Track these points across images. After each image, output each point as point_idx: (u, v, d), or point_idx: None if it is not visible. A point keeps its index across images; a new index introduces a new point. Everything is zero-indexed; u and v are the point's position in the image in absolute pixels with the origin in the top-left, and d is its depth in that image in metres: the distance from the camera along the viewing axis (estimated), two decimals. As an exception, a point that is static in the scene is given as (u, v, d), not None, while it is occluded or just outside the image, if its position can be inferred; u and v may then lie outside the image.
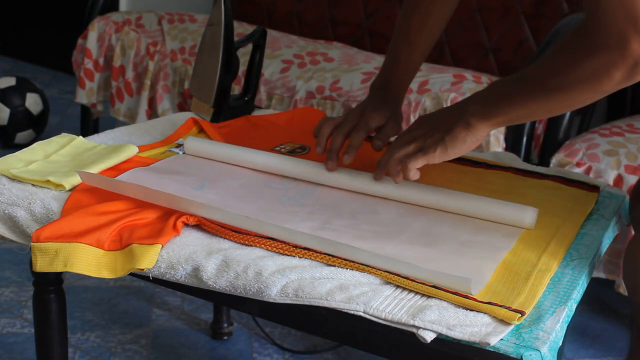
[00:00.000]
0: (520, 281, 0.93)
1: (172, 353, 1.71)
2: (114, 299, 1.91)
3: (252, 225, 1.00)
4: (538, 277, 0.93)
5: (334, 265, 0.94)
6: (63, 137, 1.28)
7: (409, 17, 1.27)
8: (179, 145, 1.31)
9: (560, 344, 0.85)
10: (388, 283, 0.91)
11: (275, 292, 0.89)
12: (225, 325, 1.77)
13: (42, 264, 0.97)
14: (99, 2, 2.73)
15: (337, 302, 0.87)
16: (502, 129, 1.88)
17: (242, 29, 2.57)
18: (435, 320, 0.83)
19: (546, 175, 1.27)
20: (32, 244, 0.98)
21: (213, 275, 0.93)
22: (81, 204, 1.05)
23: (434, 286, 0.89)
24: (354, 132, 1.19)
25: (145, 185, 1.07)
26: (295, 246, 0.97)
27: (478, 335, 0.82)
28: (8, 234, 1.05)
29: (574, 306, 0.92)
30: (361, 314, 0.86)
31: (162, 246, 0.96)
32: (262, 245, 0.97)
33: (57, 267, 0.97)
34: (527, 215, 1.06)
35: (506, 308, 0.85)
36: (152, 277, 0.97)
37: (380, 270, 0.92)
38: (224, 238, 1.00)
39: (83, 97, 2.65)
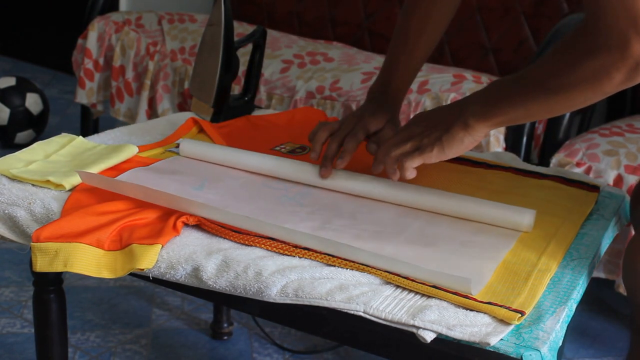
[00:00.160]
0: (520, 281, 0.92)
1: (172, 353, 1.71)
2: (114, 299, 1.91)
3: (252, 225, 1.00)
4: (538, 277, 0.93)
5: (334, 265, 0.94)
6: (63, 137, 1.28)
7: (408, 20, 1.25)
8: (179, 146, 1.31)
9: (560, 344, 0.85)
10: (388, 283, 0.91)
11: (275, 292, 0.89)
12: (225, 325, 1.77)
13: (42, 264, 0.97)
14: (99, 2, 2.73)
15: (337, 302, 0.87)
16: (502, 129, 1.88)
17: (242, 29, 2.57)
18: (435, 320, 0.83)
19: (546, 175, 1.27)
20: (32, 244, 0.98)
21: (213, 275, 0.93)
22: (81, 204, 1.05)
23: (434, 286, 0.89)
24: (349, 137, 1.17)
25: (145, 185, 1.07)
26: (295, 246, 0.97)
27: (478, 335, 0.82)
28: (8, 234, 1.05)
29: (574, 306, 0.92)
30: (361, 314, 0.86)
31: (162, 246, 0.96)
32: (262, 245, 0.97)
33: (57, 267, 0.97)
34: (525, 218, 1.06)
35: (506, 308, 0.85)
36: (152, 277, 0.97)
37: (380, 270, 0.92)
38: (224, 238, 1.00)
39: (83, 97, 2.65)
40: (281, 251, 0.96)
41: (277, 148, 1.33)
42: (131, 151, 1.22)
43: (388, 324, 0.85)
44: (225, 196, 1.12)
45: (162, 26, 2.58)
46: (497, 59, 2.39)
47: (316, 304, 0.88)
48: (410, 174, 1.08)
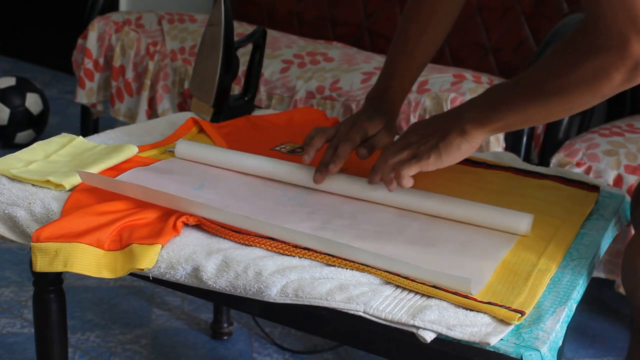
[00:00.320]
0: (520, 281, 0.93)
1: (172, 353, 1.71)
2: (114, 299, 1.91)
3: (252, 225, 1.00)
4: (538, 277, 0.93)
5: (334, 265, 0.94)
6: (63, 137, 1.28)
7: (409, 25, 1.24)
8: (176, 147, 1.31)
9: (560, 344, 0.85)
10: (388, 283, 0.91)
11: (275, 292, 0.89)
12: (225, 325, 1.77)
13: (42, 264, 0.97)
14: (99, 2, 2.73)
15: (337, 302, 0.87)
16: (502, 129, 1.87)
17: (242, 29, 2.57)
18: (435, 320, 0.83)
19: (546, 175, 1.27)
20: (32, 244, 0.98)
21: (213, 275, 0.93)
22: (81, 204, 1.05)
23: (434, 286, 0.89)
24: (343, 143, 1.16)
25: (145, 185, 1.07)
26: (295, 246, 0.97)
27: (478, 335, 0.82)
28: (8, 234, 1.05)
29: (574, 306, 0.92)
30: (361, 314, 0.86)
31: (162, 246, 0.96)
32: (262, 245, 0.97)
33: (57, 267, 0.97)
34: (522, 224, 1.05)
35: (506, 308, 0.85)
36: (152, 277, 0.97)
37: (380, 270, 0.92)
38: (224, 238, 1.00)
39: (83, 97, 2.65)
40: (281, 251, 0.96)
41: (277, 148, 1.33)
42: (131, 151, 1.22)
43: (388, 324, 0.85)
44: (225, 196, 1.12)
45: (162, 26, 2.58)
46: (497, 59, 2.39)
47: (316, 304, 0.88)
48: (407, 182, 1.07)
